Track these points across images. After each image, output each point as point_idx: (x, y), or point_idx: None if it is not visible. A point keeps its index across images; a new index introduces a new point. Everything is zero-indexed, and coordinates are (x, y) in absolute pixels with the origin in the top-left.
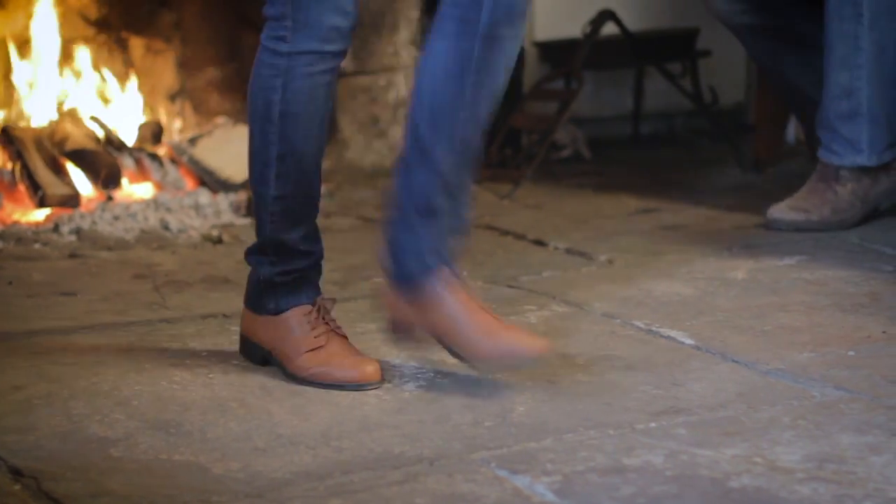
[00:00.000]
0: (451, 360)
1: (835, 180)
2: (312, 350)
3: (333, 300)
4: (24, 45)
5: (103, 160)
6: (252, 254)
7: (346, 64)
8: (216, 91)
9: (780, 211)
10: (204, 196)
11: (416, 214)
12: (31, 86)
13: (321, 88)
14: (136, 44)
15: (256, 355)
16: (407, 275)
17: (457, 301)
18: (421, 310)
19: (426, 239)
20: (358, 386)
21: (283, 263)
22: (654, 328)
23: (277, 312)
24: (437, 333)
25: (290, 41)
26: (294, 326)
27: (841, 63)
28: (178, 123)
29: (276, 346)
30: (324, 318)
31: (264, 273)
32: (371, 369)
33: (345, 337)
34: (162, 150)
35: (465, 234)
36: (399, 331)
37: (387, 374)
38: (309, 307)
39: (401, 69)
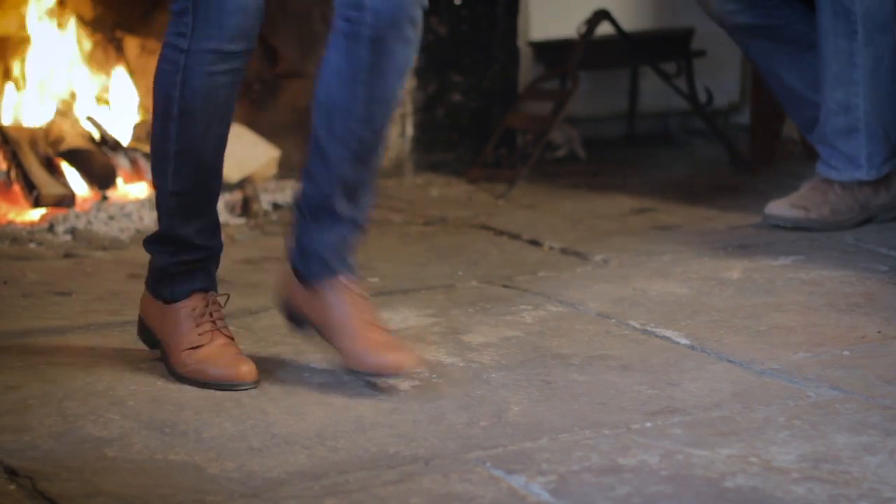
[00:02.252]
0: (448, 360)
1: (836, 181)
2: (193, 348)
3: (227, 296)
4: (18, 45)
5: (98, 160)
6: (150, 242)
7: None
8: None
9: (780, 207)
10: None
11: (317, 218)
12: (25, 86)
13: (222, 89)
14: (131, 43)
15: (150, 339)
16: (308, 275)
17: (347, 310)
18: (315, 309)
19: (327, 243)
20: (231, 385)
21: (179, 254)
22: (649, 328)
23: (172, 300)
24: (325, 335)
25: (191, 38)
26: (181, 320)
27: (837, 80)
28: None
29: (164, 338)
30: (211, 315)
31: (161, 261)
32: (245, 369)
33: (230, 337)
34: None
35: (365, 234)
36: (291, 317)
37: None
38: (200, 299)
39: None
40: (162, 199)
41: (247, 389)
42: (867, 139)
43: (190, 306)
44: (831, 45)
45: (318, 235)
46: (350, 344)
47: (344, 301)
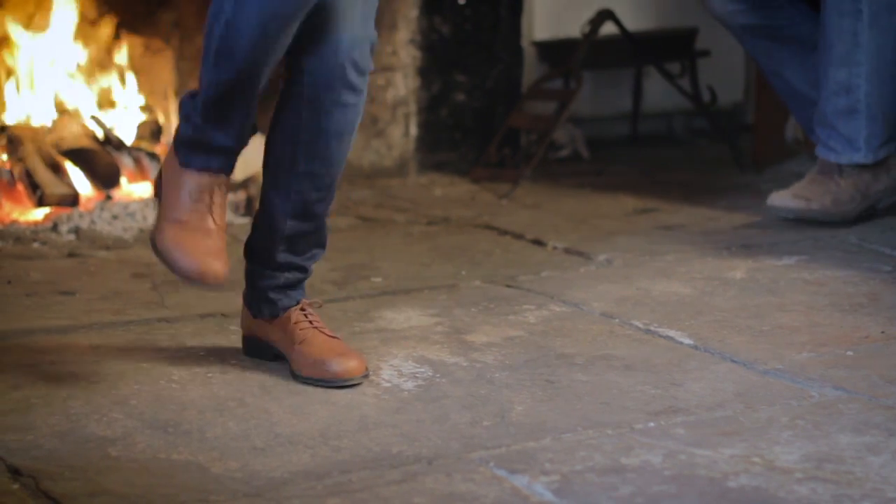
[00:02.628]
0: (451, 360)
1: (837, 173)
2: (178, 221)
3: (320, 304)
4: (22, 45)
5: (102, 159)
6: (187, 99)
7: None
8: None
9: (782, 198)
10: None
11: (261, 263)
12: (30, 85)
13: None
14: (135, 43)
15: (158, 191)
16: (258, 312)
17: (300, 338)
18: (272, 335)
19: (273, 286)
20: (192, 281)
21: (206, 130)
22: (652, 328)
23: (183, 165)
24: (285, 353)
25: None
26: (182, 187)
27: (840, 60)
28: (176, 123)
29: (163, 195)
30: (211, 196)
31: (185, 130)
32: (217, 266)
33: (222, 227)
34: (161, 150)
35: (309, 274)
36: (253, 345)
37: (386, 373)
38: (208, 177)
39: (399, 69)
40: (198, 98)
41: (211, 290)
42: (867, 121)
43: (195, 178)
44: (835, 25)
45: (263, 280)
46: (305, 363)
47: (296, 331)
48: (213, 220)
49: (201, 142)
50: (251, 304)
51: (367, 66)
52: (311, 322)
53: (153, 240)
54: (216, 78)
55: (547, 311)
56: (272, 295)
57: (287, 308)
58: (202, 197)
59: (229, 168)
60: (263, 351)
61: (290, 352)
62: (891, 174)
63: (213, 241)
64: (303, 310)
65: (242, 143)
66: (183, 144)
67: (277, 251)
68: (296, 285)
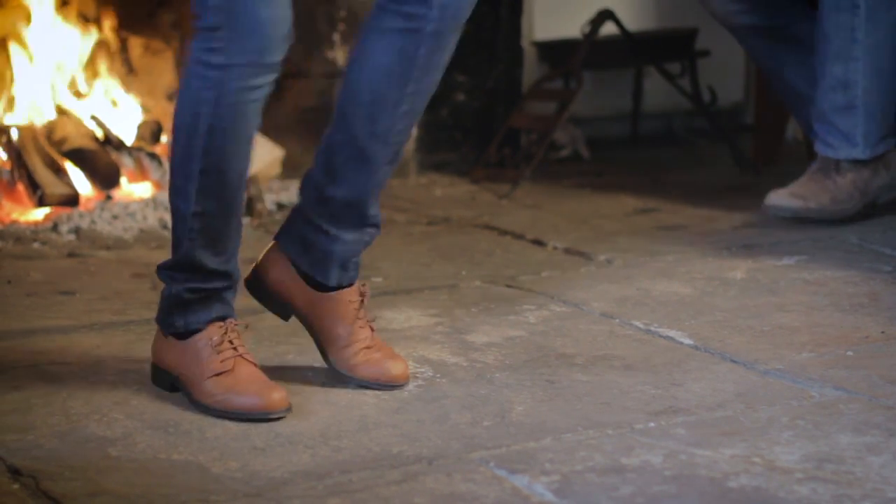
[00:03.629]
0: (451, 360)
1: (835, 170)
2: (217, 375)
3: (245, 325)
4: (23, 45)
5: (102, 159)
6: (166, 268)
7: (344, 62)
8: None
9: (779, 197)
10: None
11: (343, 223)
12: (30, 85)
13: (254, 103)
14: (135, 43)
15: (165, 381)
16: (320, 278)
17: (356, 331)
18: (314, 305)
19: (350, 249)
20: (264, 414)
21: (195, 281)
22: (652, 328)
23: (186, 331)
24: (316, 331)
25: (226, 53)
26: (200, 350)
27: (837, 55)
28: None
29: (183, 372)
30: (232, 342)
31: (175, 289)
32: (278, 396)
33: (254, 363)
34: (161, 150)
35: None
36: (269, 299)
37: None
38: (217, 328)
39: None
40: (182, 223)
41: (278, 419)
42: (864, 117)
43: (207, 336)
44: (832, 20)
45: (340, 242)
46: (354, 360)
47: (356, 323)
48: (247, 360)
49: (194, 290)
50: (311, 270)
51: None
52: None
53: (200, 403)
54: (205, 200)
55: (547, 312)
56: (350, 262)
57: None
58: (223, 348)
59: (231, 309)
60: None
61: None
62: (889, 170)
63: (259, 376)
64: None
65: (234, 263)
66: (175, 307)
67: (372, 202)
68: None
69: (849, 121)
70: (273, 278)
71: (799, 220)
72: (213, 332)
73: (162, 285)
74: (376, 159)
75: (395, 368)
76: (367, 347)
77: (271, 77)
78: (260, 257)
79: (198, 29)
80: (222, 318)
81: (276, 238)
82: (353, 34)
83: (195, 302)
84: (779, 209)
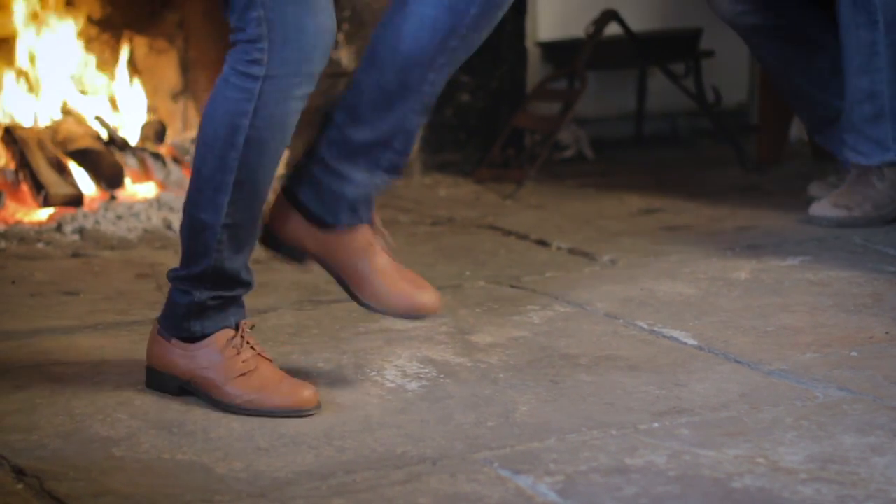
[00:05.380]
0: (455, 360)
1: (876, 176)
2: (242, 375)
3: (252, 325)
4: (27, 45)
5: (106, 160)
6: (188, 279)
7: (348, 62)
8: None
9: (823, 208)
10: None
11: (356, 164)
12: (34, 85)
13: (294, 115)
14: (140, 43)
15: (171, 385)
16: (331, 220)
17: (373, 258)
18: (327, 246)
19: (361, 192)
20: (297, 412)
21: (218, 289)
22: (656, 328)
23: (202, 336)
24: (342, 274)
25: (268, 65)
26: (220, 351)
27: (860, 69)
28: (181, 123)
29: (198, 374)
30: (248, 342)
31: (198, 297)
32: (308, 394)
33: (270, 360)
34: (165, 150)
35: (400, 177)
36: (282, 248)
37: (390, 373)
38: (232, 331)
39: None
40: (210, 233)
41: (311, 415)
42: (892, 122)
43: (225, 337)
44: (853, 36)
45: (351, 183)
46: (382, 290)
47: (371, 249)
48: (265, 358)
49: (215, 298)
50: (329, 214)
51: None
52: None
53: (230, 406)
54: (237, 212)
55: (551, 312)
56: (360, 204)
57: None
58: (240, 347)
59: (244, 310)
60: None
61: (361, 273)
62: None
63: (276, 370)
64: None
65: (253, 279)
66: (194, 314)
67: (390, 150)
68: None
69: (879, 128)
70: (284, 228)
71: (844, 227)
72: (229, 333)
73: (167, 287)
74: (403, 107)
75: (424, 297)
76: (392, 276)
77: (310, 88)
78: (268, 211)
79: (237, 42)
80: (236, 322)
81: (283, 187)
82: (357, 34)
83: (213, 308)
84: (823, 220)
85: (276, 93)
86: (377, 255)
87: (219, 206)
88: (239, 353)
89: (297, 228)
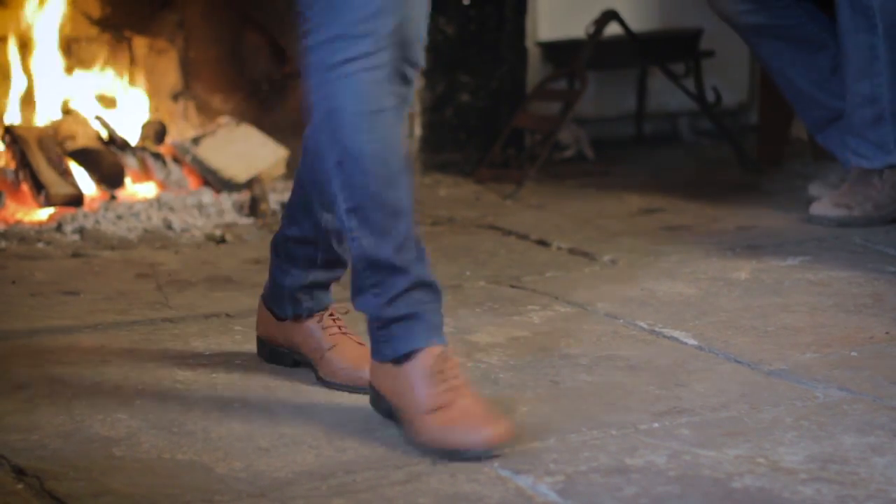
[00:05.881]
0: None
1: (876, 176)
2: (434, 411)
3: (448, 348)
4: (27, 44)
5: (107, 159)
6: (357, 294)
7: None
8: (219, 91)
9: (823, 207)
10: (207, 195)
11: (296, 261)
12: (34, 85)
13: (360, 75)
14: (140, 43)
15: (384, 408)
16: (279, 311)
17: (331, 344)
18: (288, 336)
19: (297, 281)
20: (493, 449)
21: (385, 289)
22: (657, 328)
23: (397, 359)
24: (308, 358)
25: (320, 29)
26: (412, 380)
27: (860, 73)
28: (181, 123)
29: (398, 404)
30: (448, 372)
31: (372, 310)
32: (503, 427)
33: (471, 391)
34: (165, 150)
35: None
36: (272, 350)
37: None
38: (432, 353)
39: None
40: (342, 225)
41: (509, 446)
42: (893, 125)
43: (419, 365)
44: (852, 41)
45: (290, 275)
46: (336, 366)
47: (325, 333)
48: (462, 389)
49: (389, 312)
50: (276, 305)
51: None
52: (339, 328)
53: (418, 442)
54: (351, 196)
55: (551, 312)
56: (301, 295)
57: (313, 311)
58: (441, 378)
59: (439, 335)
60: (282, 357)
61: (318, 357)
62: None
63: (475, 403)
64: (331, 315)
65: (422, 272)
66: (380, 333)
67: (320, 249)
68: (325, 286)
69: (880, 132)
70: (264, 329)
71: (844, 227)
72: (426, 359)
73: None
74: (321, 213)
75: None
76: (346, 353)
77: (367, 47)
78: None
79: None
80: (430, 343)
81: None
82: None
83: (395, 321)
84: (823, 220)
85: (331, 56)
86: (330, 337)
87: (335, 193)
88: (437, 385)
89: (268, 326)
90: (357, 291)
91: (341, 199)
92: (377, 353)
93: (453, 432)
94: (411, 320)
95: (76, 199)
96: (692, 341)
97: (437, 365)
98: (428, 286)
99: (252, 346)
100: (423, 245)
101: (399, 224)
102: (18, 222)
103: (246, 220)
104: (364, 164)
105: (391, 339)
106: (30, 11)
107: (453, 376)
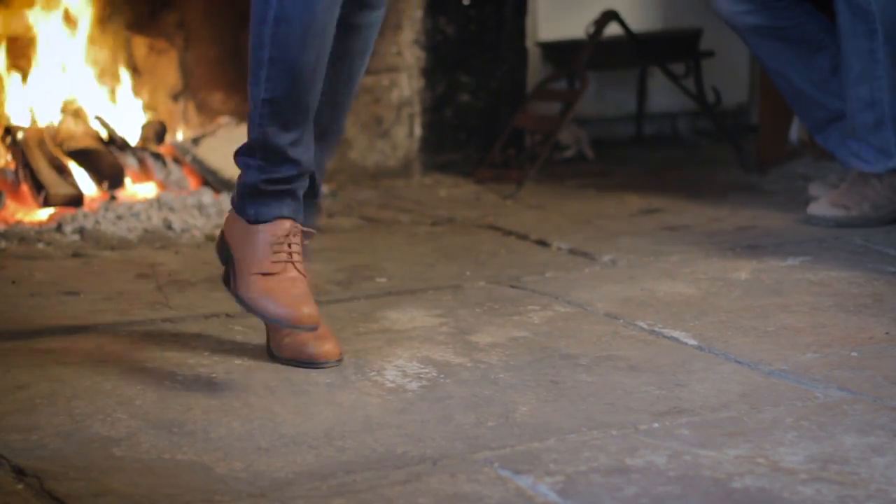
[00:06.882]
0: (455, 360)
1: (874, 177)
2: (262, 274)
3: (312, 231)
4: (27, 44)
5: (106, 160)
6: (241, 154)
7: None
8: (219, 91)
9: (821, 207)
10: (207, 196)
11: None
12: (34, 85)
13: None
14: (140, 43)
15: (224, 253)
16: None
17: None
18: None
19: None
20: (291, 326)
21: (269, 169)
22: (657, 329)
23: (255, 221)
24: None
25: None
26: (258, 243)
27: (860, 77)
28: (181, 123)
29: (237, 255)
30: (290, 246)
31: (250, 178)
32: (307, 311)
33: (303, 274)
34: (165, 150)
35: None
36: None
37: (390, 373)
38: (282, 225)
39: (404, 69)
40: (255, 108)
41: (308, 330)
42: (894, 129)
43: (270, 231)
44: (852, 45)
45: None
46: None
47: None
48: (296, 269)
49: (267, 181)
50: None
51: None
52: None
53: (237, 293)
54: (274, 87)
55: (551, 312)
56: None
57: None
58: (280, 248)
59: (300, 213)
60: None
61: None
62: None
63: (300, 288)
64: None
65: (308, 161)
66: (248, 196)
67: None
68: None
69: (881, 136)
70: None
71: (842, 227)
72: (277, 228)
73: (168, 287)
74: (337, 127)
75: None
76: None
77: None
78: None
79: None
80: (290, 218)
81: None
82: None
83: (269, 194)
84: (820, 220)
85: None
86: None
87: (259, 79)
88: (274, 253)
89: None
90: (243, 153)
91: (263, 88)
92: (241, 210)
93: (265, 301)
94: (283, 197)
95: (76, 200)
96: (692, 341)
97: (285, 238)
98: (308, 175)
99: (252, 347)
100: (312, 132)
101: (304, 120)
102: (18, 222)
103: None
104: (297, 73)
105: (257, 204)
106: (30, 11)
107: (295, 251)
